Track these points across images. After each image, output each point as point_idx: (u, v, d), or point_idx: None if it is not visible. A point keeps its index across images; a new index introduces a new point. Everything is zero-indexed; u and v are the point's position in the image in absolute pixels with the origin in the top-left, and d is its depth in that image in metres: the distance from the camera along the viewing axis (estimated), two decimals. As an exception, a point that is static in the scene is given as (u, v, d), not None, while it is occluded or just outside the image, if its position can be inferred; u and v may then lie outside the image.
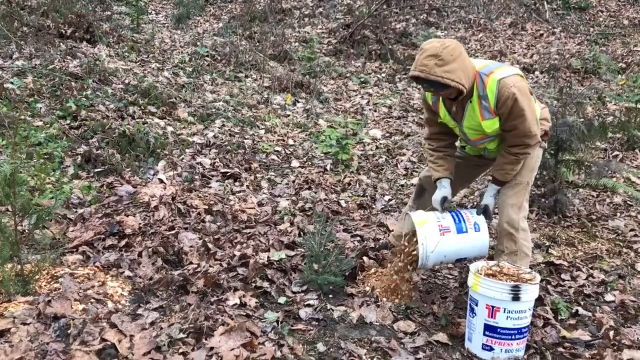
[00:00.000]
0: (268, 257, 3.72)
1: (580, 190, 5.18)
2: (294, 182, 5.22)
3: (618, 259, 4.06)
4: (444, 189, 3.38)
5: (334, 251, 3.52)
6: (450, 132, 3.39)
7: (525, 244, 3.28)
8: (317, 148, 6.05)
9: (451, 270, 3.83)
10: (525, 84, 3.07)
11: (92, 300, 3.00)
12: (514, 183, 3.28)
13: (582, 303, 3.47)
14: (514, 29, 11.82)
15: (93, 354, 2.52)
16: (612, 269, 3.91)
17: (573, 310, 3.34)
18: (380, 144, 6.39)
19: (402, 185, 5.35)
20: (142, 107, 6.09)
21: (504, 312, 2.80)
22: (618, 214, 4.82)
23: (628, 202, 5.04)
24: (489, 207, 3.33)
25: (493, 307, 2.81)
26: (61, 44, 7.42)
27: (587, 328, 3.20)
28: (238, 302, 3.14)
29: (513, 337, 2.83)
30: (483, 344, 2.88)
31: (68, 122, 5.42)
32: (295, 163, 5.67)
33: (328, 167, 5.58)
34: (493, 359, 2.85)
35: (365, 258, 3.80)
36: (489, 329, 2.84)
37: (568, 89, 5.03)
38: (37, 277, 3.13)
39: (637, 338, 3.12)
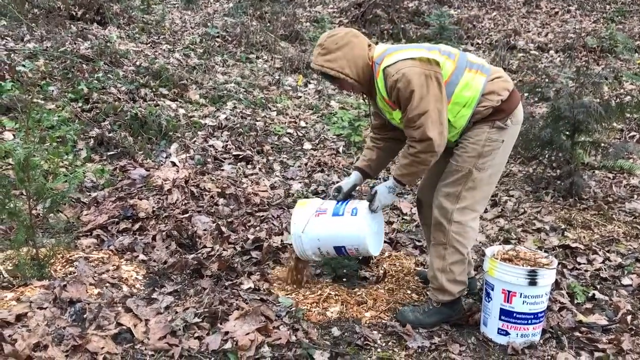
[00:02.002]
0: (282, 240, 3.71)
1: (596, 172, 5.11)
2: (306, 164, 5.19)
3: (635, 242, 4.01)
4: (345, 179, 3.22)
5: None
6: (387, 126, 3.07)
7: (459, 240, 2.86)
8: (329, 130, 6.01)
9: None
10: (419, 68, 2.65)
11: (107, 284, 3.01)
12: (453, 168, 2.85)
13: (598, 287, 3.43)
14: (528, 6, 11.62)
15: (109, 339, 2.53)
16: (629, 252, 3.87)
17: (589, 294, 3.30)
18: (393, 125, 6.32)
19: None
20: (154, 89, 6.07)
21: (520, 296, 2.77)
22: (635, 196, 4.75)
23: (645, 184, 4.98)
24: (377, 194, 2.95)
25: (509, 292, 2.78)
26: (72, 25, 7.39)
27: (603, 312, 3.17)
28: (252, 286, 3.14)
29: (529, 321, 2.81)
30: (499, 329, 2.86)
31: (80, 105, 5.42)
32: (307, 145, 5.64)
33: (340, 149, 5.54)
34: (509, 343, 2.83)
35: (379, 241, 3.77)
36: (505, 314, 2.82)
37: (585, 69, 4.93)
38: (52, 261, 3.15)
39: (655, 322, 3.09)
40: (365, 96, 3.01)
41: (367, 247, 2.99)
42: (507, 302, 2.80)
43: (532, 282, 2.74)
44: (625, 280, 3.52)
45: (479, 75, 2.78)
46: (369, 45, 2.83)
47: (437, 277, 2.92)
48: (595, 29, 10.23)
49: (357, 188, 3.26)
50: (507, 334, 2.84)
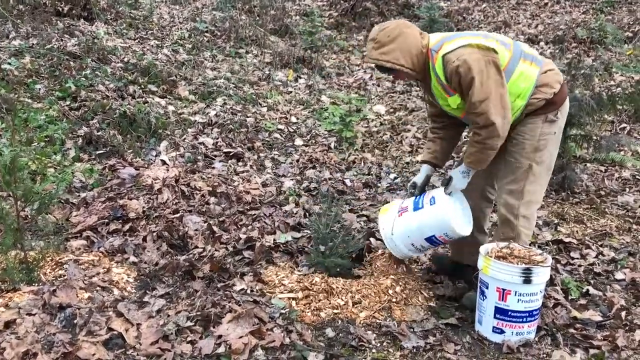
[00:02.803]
0: (274, 239, 3.68)
1: (588, 165, 5.11)
2: (297, 161, 5.16)
3: (628, 235, 4.01)
4: (418, 174, 3.30)
5: (341, 232, 3.48)
6: (443, 113, 3.15)
7: (525, 232, 3.00)
8: (320, 125, 5.97)
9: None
10: (479, 55, 2.74)
11: (98, 288, 2.97)
12: (513, 166, 2.95)
13: (592, 282, 3.43)
14: (518, -2, 11.59)
15: (100, 345, 2.49)
16: (622, 246, 3.87)
17: (583, 290, 3.30)
18: (385, 120, 6.30)
19: (408, 163, 5.29)
20: (142, 86, 6.01)
21: (515, 294, 2.76)
22: (627, 189, 4.76)
23: (637, 177, 4.98)
24: (452, 179, 3.03)
25: (504, 290, 2.77)
26: (58, 22, 7.28)
27: (598, 308, 3.17)
28: (245, 288, 3.11)
29: (524, 319, 2.80)
30: (494, 327, 2.84)
31: (68, 103, 5.34)
32: (298, 141, 5.60)
33: (332, 145, 5.51)
34: (504, 341, 2.82)
35: (372, 239, 3.76)
36: (500, 312, 2.81)
37: (577, 62, 4.92)
38: (41, 264, 3.10)
39: (649, 317, 3.09)
40: (419, 84, 3.08)
41: (454, 229, 3.02)
42: (502, 300, 2.79)
43: (527, 280, 2.72)
44: (619, 275, 3.52)
45: (533, 66, 2.87)
46: (421, 34, 2.92)
47: None
48: (585, 20, 10.22)
49: (430, 179, 3.36)
50: (502, 332, 2.83)
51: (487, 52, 2.76)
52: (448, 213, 3.02)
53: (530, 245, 3.11)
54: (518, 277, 2.73)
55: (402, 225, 3.16)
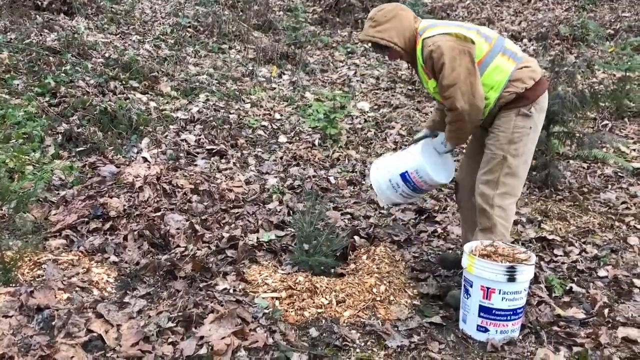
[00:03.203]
0: (257, 238, 3.65)
1: (571, 161, 5.12)
2: (281, 158, 5.12)
3: (610, 232, 4.03)
4: (416, 134, 3.51)
5: (325, 231, 3.46)
6: None
7: (502, 223, 3.03)
8: (304, 122, 5.93)
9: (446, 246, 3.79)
10: (453, 43, 2.87)
11: (77, 288, 2.92)
12: (489, 157, 3.04)
13: (575, 279, 3.44)
14: (501, -5, 11.63)
15: (79, 347, 2.44)
16: (605, 243, 3.89)
17: (567, 288, 3.30)
18: (369, 116, 6.27)
19: (392, 160, 5.26)
20: (124, 82, 5.92)
21: (500, 293, 2.75)
22: (609, 186, 4.78)
23: (619, 174, 5.00)
24: (436, 136, 3.29)
25: (488, 288, 2.76)
26: (37, 16, 7.16)
27: (581, 305, 3.17)
28: (228, 287, 3.07)
29: (508, 318, 2.80)
30: (478, 325, 2.83)
31: (47, 99, 5.25)
32: (282, 138, 5.56)
33: (316, 142, 5.47)
34: (488, 340, 2.81)
35: (356, 237, 3.74)
36: (484, 311, 2.80)
37: (560, 59, 4.93)
38: (19, 264, 3.03)
39: (631, 315, 3.10)
40: (409, 66, 3.28)
41: (425, 168, 3.16)
42: (486, 298, 2.78)
43: (511, 279, 2.72)
44: (601, 272, 3.52)
45: (510, 62, 2.99)
46: (415, 18, 3.10)
47: None
48: (567, 17, 10.28)
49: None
50: (486, 330, 2.82)
51: (464, 42, 2.90)
52: (420, 151, 3.22)
53: (513, 242, 3.11)
54: (502, 276, 2.72)
55: (385, 159, 3.41)
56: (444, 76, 2.88)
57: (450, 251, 3.65)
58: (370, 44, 3.17)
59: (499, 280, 2.73)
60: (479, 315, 2.82)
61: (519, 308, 2.81)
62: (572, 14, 10.45)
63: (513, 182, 3.04)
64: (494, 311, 2.78)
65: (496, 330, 2.81)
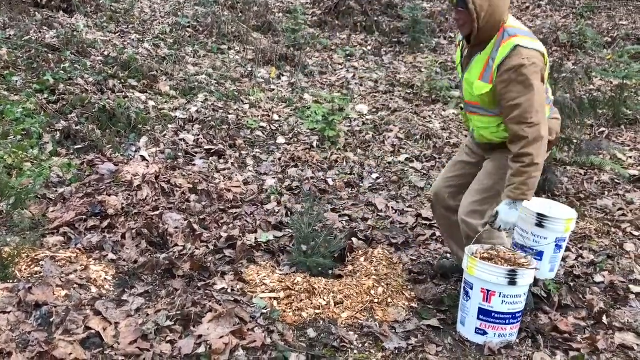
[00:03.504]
0: (255, 238, 3.65)
1: (568, 168, 5.15)
2: (280, 159, 5.12)
3: (607, 238, 4.05)
4: None
5: (323, 232, 3.46)
6: None
7: (491, 241, 2.97)
8: (303, 124, 5.93)
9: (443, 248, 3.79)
10: (542, 64, 2.70)
11: (75, 285, 2.91)
12: (483, 185, 2.95)
13: (572, 285, 3.45)
14: (500, 1, 11.65)
15: (77, 344, 2.44)
16: (601, 249, 3.90)
17: (564, 293, 3.31)
18: (367, 119, 6.28)
19: (390, 163, 5.28)
20: (122, 81, 5.91)
21: (500, 296, 2.76)
22: (606, 193, 4.80)
23: (615, 180, 5.03)
24: (499, 214, 2.82)
25: (488, 291, 2.77)
26: (37, 13, 7.14)
27: (577, 310, 3.18)
28: (226, 287, 3.07)
29: (507, 321, 2.81)
30: (476, 328, 2.85)
31: (46, 96, 5.23)
32: (281, 139, 5.56)
33: (314, 144, 5.47)
34: (485, 343, 2.82)
35: (354, 239, 3.74)
36: (484, 313, 2.81)
37: (558, 66, 4.95)
38: (16, 260, 3.03)
39: (628, 320, 3.12)
40: (462, 45, 2.97)
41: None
42: (486, 301, 2.79)
43: (512, 282, 2.73)
44: (598, 278, 3.54)
45: (547, 107, 2.83)
46: (509, 9, 2.82)
47: None
48: (566, 24, 10.33)
49: None
50: (485, 333, 2.83)
51: (544, 65, 2.75)
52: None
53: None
54: (503, 279, 2.73)
55: None
56: (529, 98, 2.64)
57: (446, 259, 3.58)
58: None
59: (499, 283, 2.74)
60: (478, 318, 2.83)
61: (518, 312, 2.82)
62: (570, 21, 10.50)
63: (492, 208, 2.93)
64: (493, 314, 2.79)
65: (495, 334, 2.82)
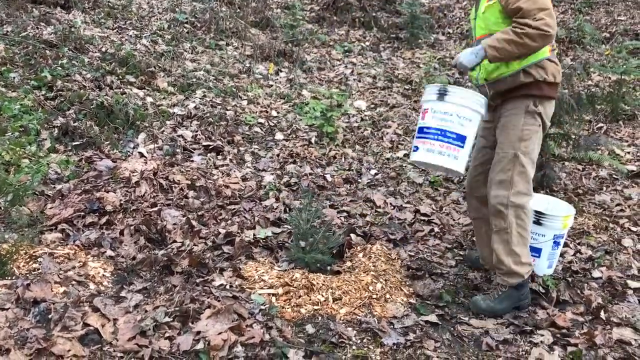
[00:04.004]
0: (254, 234, 3.65)
1: (567, 163, 5.15)
2: (278, 155, 5.11)
3: (605, 234, 4.05)
4: None
5: (321, 228, 3.46)
6: None
7: (519, 223, 2.99)
8: (301, 120, 5.93)
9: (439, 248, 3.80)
10: None
11: (73, 282, 2.91)
12: (500, 156, 3.01)
13: (570, 280, 3.46)
14: (498, -4, 11.63)
15: (75, 340, 2.44)
16: (599, 244, 3.91)
17: (562, 288, 3.32)
18: (366, 115, 6.28)
19: (388, 159, 5.28)
20: (120, 77, 5.90)
21: (431, 111, 2.93)
22: (604, 188, 4.81)
23: (613, 176, 5.03)
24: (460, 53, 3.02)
25: (425, 110, 2.97)
26: (34, 9, 7.12)
27: (575, 306, 3.19)
28: (224, 283, 3.07)
29: (436, 137, 2.89)
30: (414, 146, 2.99)
31: (43, 92, 5.22)
32: (279, 135, 5.56)
33: (313, 140, 5.47)
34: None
35: (352, 235, 3.74)
36: (420, 131, 2.98)
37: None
38: (14, 257, 3.02)
39: (625, 315, 3.12)
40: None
41: None
42: (423, 119, 2.97)
43: (441, 97, 2.88)
44: (596, 273, 3.55)
45: (548, 50, 2.93)
46: None
47: (503, 261, 3.04)
48: (564, 19, 10.32)
49: None
50: (417, 149, 2.97)
51: None
52: None
53: None
54: (434, 95, 2.91)
55: None
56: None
57: (474, 250, 3.62)
58: None
59: (431, 100, 2.93)
60: (417, 137, 2.99)
61: (450, 132, 2.87)
62: (569, 16, 10.49)
63: (525, 181, 3.00)
64: (424, 129, 2.94)
65: (425, 148, 2.92)
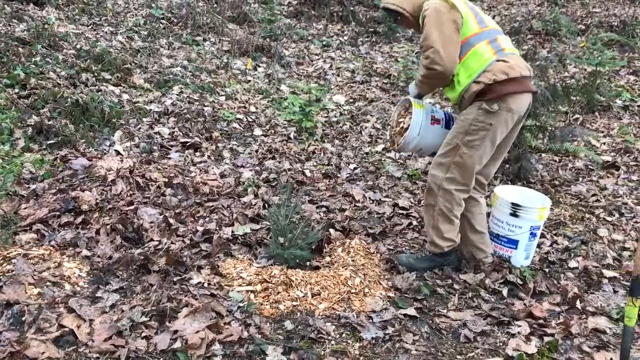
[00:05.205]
0: (232, 231, 3.63)
1: (543, 155, 5.20)
2: (257, 151, 5.09)
3: (581, 224, 4.10)
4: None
5: (300, 224, 3.45)
6: None
7: (446, 205, 3.20)
8: (279, 115, 5.91)
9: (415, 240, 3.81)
10: (443, 9, 3.03)
11: (48, 283, 2.87)
12: (446, 142, 3.19)
13: (547, 271, 3.49)
14: (475, -11, 11.71)
15: (50, 343, 2.41)
16: (575, 235, 3.95)
17: (538, 279, 3.35)
18: (344, 110, 6.28)
19: (367, 153, 5.28)
20: (96, 74, 5.82)
21: None
22: (580, 179, 4.86)
23: (589, 167, 5.09)
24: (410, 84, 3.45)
25: None
26: (5, 6, 7.00)
27: (552, 296, 3.22)
28: (202, 281, 3.05)
29: None
30: None
31: (16, 91, 5.13)
32: (257, 131, 5.53)
33: (292, 136, 5.46)
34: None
35: (331, 230, 3.74)
36: None
37: (532, 53, 4.98)
38: (-13, 259, 2.97)
39: (600, 305, 3.17)
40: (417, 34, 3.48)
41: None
42: None
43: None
44: (572, 263, 3.59)
45: (492, 53, 3.06)
46: None
47: (428, 232, 3.37)
48: (540, 12, 10.40)
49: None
50: None
51: (454, 11, 3.04)
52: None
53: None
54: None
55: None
56: (427, 36, 3.02)
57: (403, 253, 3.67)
58: (384, 9, 3.32)
59: None
60: None
61: None
62: (545, 9, 10.58)
63: (461, 172, 3.16)
64: None
65: None
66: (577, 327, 2.91)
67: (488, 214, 3.62)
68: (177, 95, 5.95)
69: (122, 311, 2.72)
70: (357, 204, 4.26)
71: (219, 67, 7.10)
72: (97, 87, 5.54)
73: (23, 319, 2.53)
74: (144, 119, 5.28)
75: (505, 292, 3.21)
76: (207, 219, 3.79)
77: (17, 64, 5.46)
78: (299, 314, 2.90)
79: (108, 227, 3.50)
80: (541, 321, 2.96)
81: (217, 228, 3.65)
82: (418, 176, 4.83)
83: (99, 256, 3.27)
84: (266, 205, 4.04)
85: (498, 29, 3.18)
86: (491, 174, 3.43)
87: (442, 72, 3.02)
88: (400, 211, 4.18)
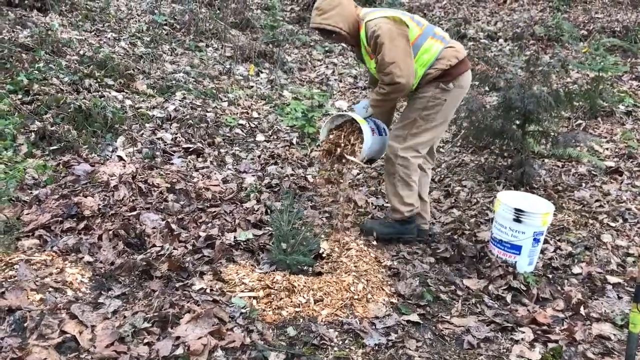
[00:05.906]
0: (235, 237, 3.62)
1: (546, 160, 5.18)
2: (259, 157, 5.09)
3: (584, 230, 4.08)
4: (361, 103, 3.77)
5: (302, 230, 3.44)
6: (376, 82, 3.67)
7: (404, 171, 3.55)
8: (282, 121, 5.91)
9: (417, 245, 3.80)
10: (392, 26, 3.29)
11: (50, 289, 2.86)
12: (403, 117, 3.57)
13: (550, 277, 3.48)
14: (477, -5, 11.72)
15: (52, 349, 2.40)
16: (579, 240, 3.93)
17: (542, 285, 3.34)
18: (346, 115, 6.27)
19: (370, 158, 5.27)
20: (99, 80, 5.84)
21: None
22: (583, 184, 4.84)
23: (592, 172, 5.07)
24: (357, 105, 3.71)
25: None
26: (9, 12, 7.02)
27: (556, 302, 3.21)
28: (204, 287, 3.04)
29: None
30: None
31: (20, 97, 5.14)
32: (260, 137, 5.53)
33: (294, 141, 5.46)
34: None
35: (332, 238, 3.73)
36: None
37: (535, 59, 4.98)
38: (-11, 265, 2.97)
39: (605, 311, 3.15)
40: (353, 49, 3.72)
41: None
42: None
43: None
44: (576, 269, 3.57)
45: (438, 43, 3.45)
46: (356, 6, 3.52)
47: (390, 199, 3.71)
48: (542, 17, 10.40)
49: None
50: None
51: (400, 25, 3.34)
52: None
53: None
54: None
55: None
56: (384, 54, 3.27)
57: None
58: (317, 31, 3.54)
59: None
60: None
61: None
62: (547, 14, 10.58)
63: (417, 140, 3.54)
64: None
65: None
66: (581, 333, 2.89)
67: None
68: (179, 101, 5.96)
69: (124, 317, 2.71)
70: (360, 210, 4.25)
71: (222, 73, 7.11)
72: (100, 93, 5.55)
73: (25, 325, 2.52)
74: (147, 125, 5.29)
75: (508, 298, 3.20)
76: (209, 224, 3.78)
77: (20, 70, 5.48)
78: (301, 320, 2.89)
79: (110, 232, 3.49)
80: (545, 327, 2.94)
81: (220, 234, 3.64)
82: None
83: (101, 262, 3.26)
84: (268, 210, 4.04)
85: (429, 24, 3.53)
86: (437, 143, 3.87)
87: (404, 84, 3.32)
88: (403, 217, 4.16)
